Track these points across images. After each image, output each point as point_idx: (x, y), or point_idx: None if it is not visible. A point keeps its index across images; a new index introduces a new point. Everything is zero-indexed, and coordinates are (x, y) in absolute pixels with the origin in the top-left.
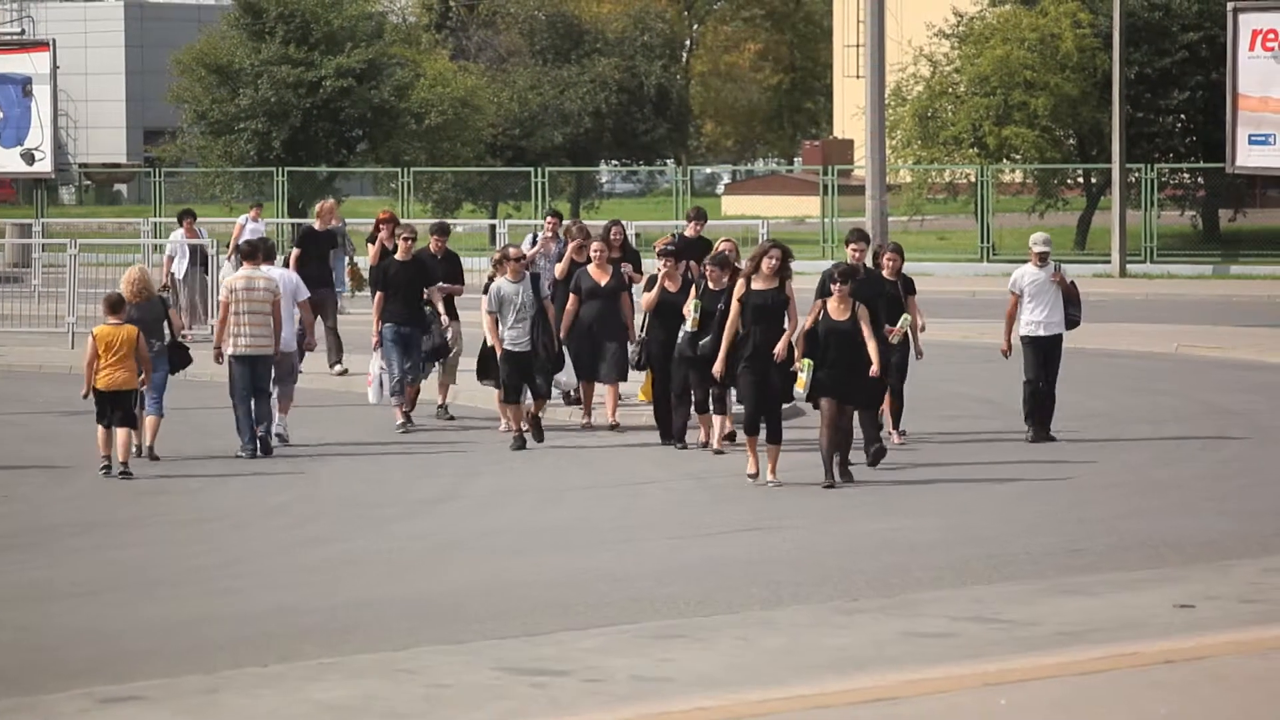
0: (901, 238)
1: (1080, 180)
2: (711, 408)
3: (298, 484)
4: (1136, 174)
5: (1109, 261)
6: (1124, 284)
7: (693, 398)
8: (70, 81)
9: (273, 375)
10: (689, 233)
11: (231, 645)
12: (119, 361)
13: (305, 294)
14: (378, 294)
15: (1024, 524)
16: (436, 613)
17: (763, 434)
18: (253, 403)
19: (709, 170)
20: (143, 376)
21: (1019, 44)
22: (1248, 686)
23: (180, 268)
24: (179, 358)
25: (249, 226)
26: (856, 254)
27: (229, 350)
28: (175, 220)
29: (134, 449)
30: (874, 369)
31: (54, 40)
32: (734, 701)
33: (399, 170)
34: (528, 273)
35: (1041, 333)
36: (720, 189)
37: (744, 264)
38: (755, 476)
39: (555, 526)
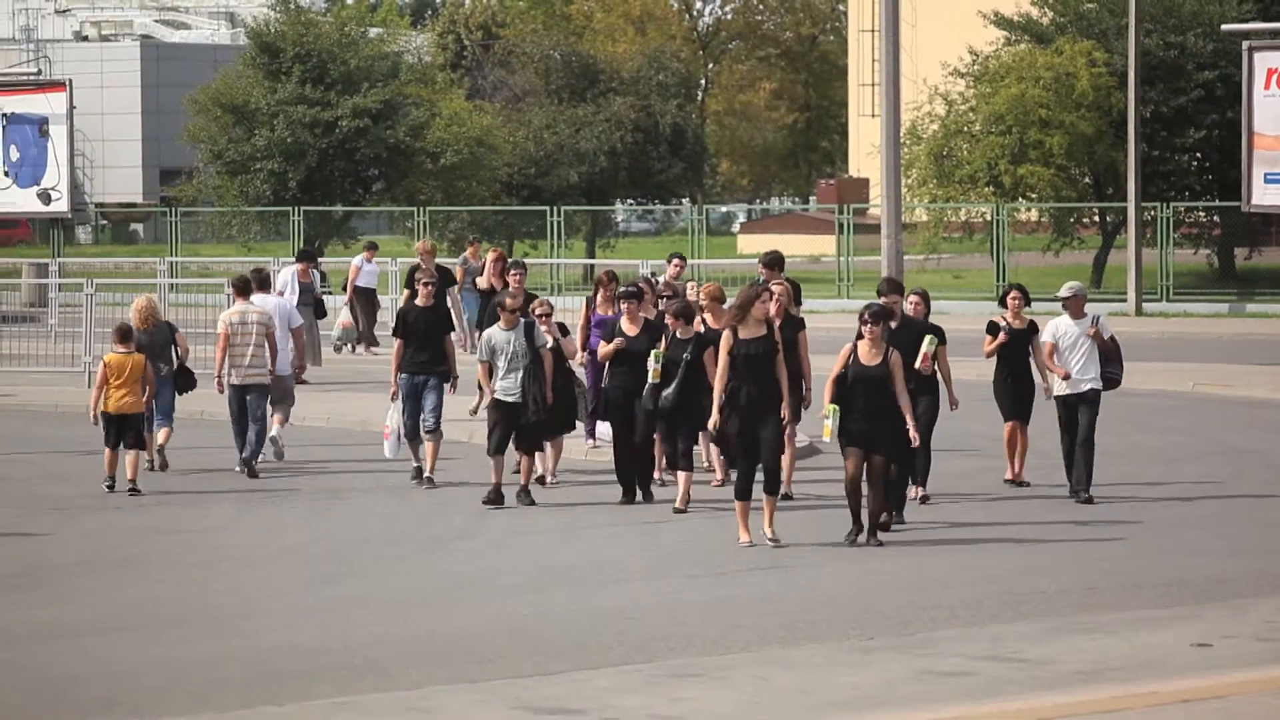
0: (917, 277)
1: (1096, 219)
2: (680, 463)
3: (311, 523)
4: (1152, 212)
5: (1125, 300)
6: (1140, 323)
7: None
8: (86, 121)
9: (269, 398)
10: (670, 274)
11: (244, 684)
12: (128, 387)
13: (299, 321)
14: (397, 342)
15: (1039, 563)
16: (451, 652)
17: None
18: (249, 426)
19: (724, 209)
20: (147, 394)
21: (1034, 83)
22: None
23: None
24: (185, 381)
25: (364, 268)
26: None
27: (228, 380)
28: (294, 259)
29: (147, 463)
30: (911, 433)
31: (70, 80)
32: None
33: (415, 210)
34: (522, 320)
35: (1070, 390)
36: (736, 228)
37: (728, 311)
38: (749, 544)
39: (569, 565)
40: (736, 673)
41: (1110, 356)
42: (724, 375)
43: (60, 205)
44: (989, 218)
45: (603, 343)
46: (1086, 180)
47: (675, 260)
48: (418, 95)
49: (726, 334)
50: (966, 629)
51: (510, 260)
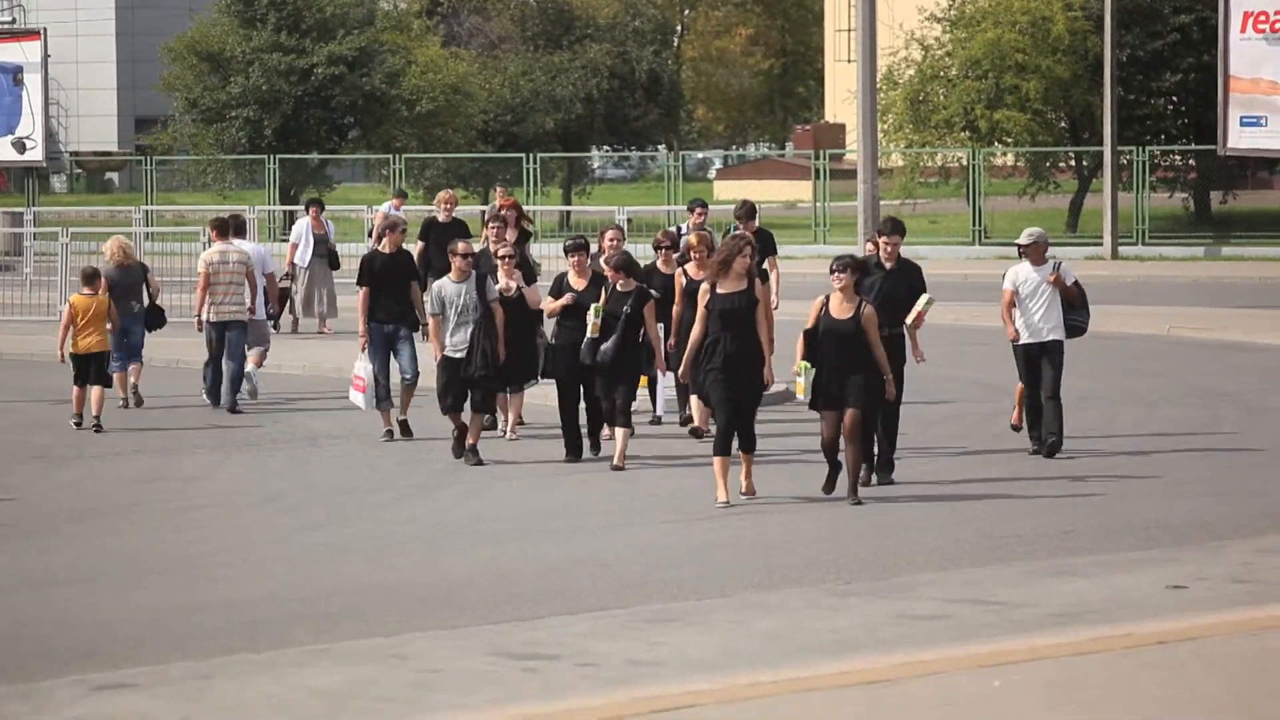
0: None
1: (1072, 163)
2: (618, 420)
3: (291, 471)
4: (1128, 156)
5: (1101, 244)
6: (1116, 266)
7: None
8: (61, 70)
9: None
10: (692, 223)
11: (223, 632)
12: (94, 327)
13: (272, 267)
14: (362, 290)
15: (1016, 506)
16: (428, 598)
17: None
18: (224, 363)
19: (701, 155)
20: (111, 326)
21: (1010, 27)
22: (1240, 666)
23: (304, 256)
24: (155, 318)
25: (391, 215)
26: (889, 247)
27: (206, 317)
28: (302, 208)
29: (121, 401)
30: (888, 389)
31: (45, 29)
32: (726, 685)
33: (390, 157)
34: (474, 272)
35: (1032, 339)
36: (712, 174)
37: (710, 265)
38: (726, 504)
39: (547, 512)
40: (714, 617)
41: (1074, 303)
42: (699, 328)
43: (35, 154)
44: (965, 162)
45: (549, 297)
46: (1062, 125)
47: (698, 209)
48: (393, 42)
49: (705, 286)
50: (943, 573)
51: (573, 242)
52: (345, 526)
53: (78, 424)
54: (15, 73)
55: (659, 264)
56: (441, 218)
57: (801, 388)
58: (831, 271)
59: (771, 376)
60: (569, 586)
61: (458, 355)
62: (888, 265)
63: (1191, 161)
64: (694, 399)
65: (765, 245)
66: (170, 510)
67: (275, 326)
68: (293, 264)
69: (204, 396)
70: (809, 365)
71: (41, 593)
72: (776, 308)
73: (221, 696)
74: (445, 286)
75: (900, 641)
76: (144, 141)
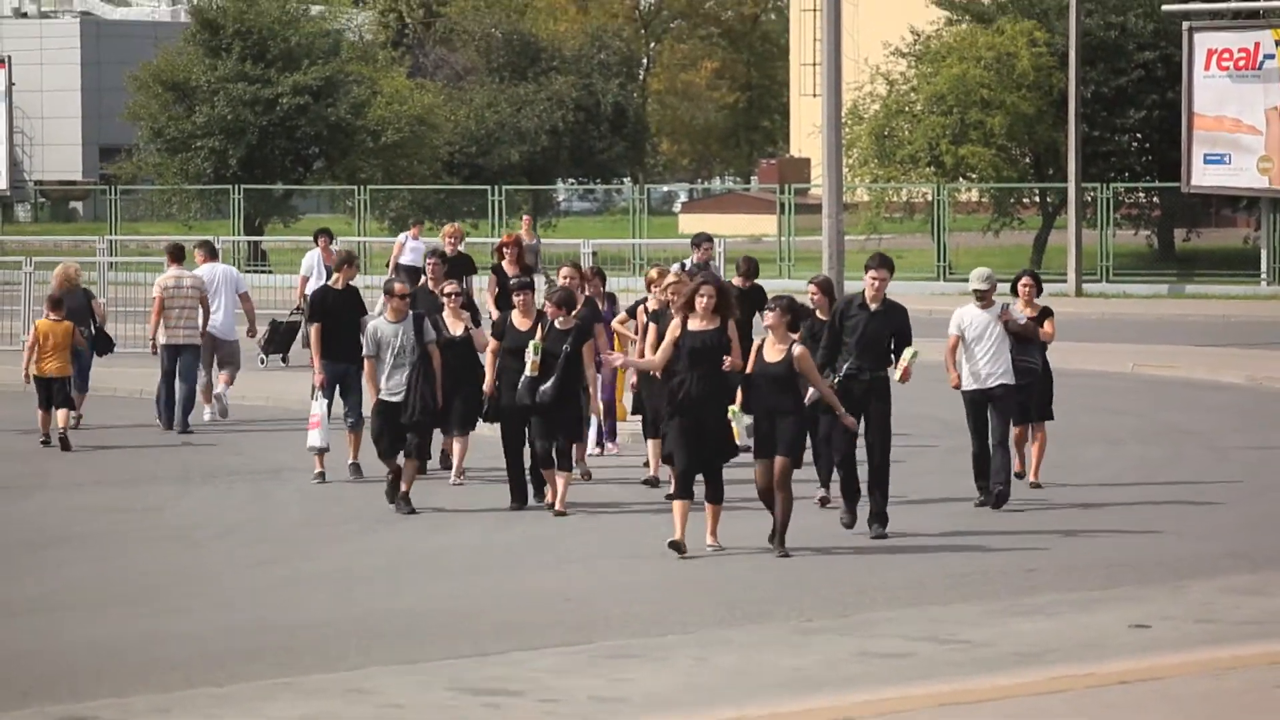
0: (858, 257)
1: (1036, 199)
2: (557, 462)
3: (252, 503)
4: (1092, 193)
5: (1065, 280)
6: (1080, 303)
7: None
8: (26, 99)
9: (217, 359)
10: (697, 257)
11: (185, 664)
12: (56, 352)
13: (245, 287)
14: (314, 325)
15: (979, 544)
16: (390, 632)
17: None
18: (178, 385)
19: (666, 189)
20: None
21: (975, 63)
22: (1202, 706)
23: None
24: (103, 344)
25: (409, 244)
26: (876, 282)
27: (161, 340)
28: (311, 239)
29: (73, 420)
30: (845, 420)
31: (9, 57)
32: None
33: (355, 188)
34: (411, 313)
35: (977, 385)
36: (677, 207)
37: (653, 300)
38: (679, 549)
39: (508, 546)
40: (676, 653)
41: (1028, 340)
42: (661, 364)
43: None
44: (930, 198)
45: (492, 338)
46: (1027, 160)
47: (704, 245)
48: (359, 73)
49: (675, 322)
50: (906, 610)
51: (517, 281)
52: (307, 559)
53: (45, 442)
54: None
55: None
56: (448, 251)
57: (737, 433)
58: (768, 310)
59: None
60: (531, 621)
61: (393, 399)
62: (873, 306)
63: (1155, 199)
64: (650, 444)
65: (757, 301)
66: (131, 541)
67: (266, 354)
68: (304, 296)
69: (158, 419)
70: (738, 410)
71: (0, 623)
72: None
73: None
74: (381, 327)
75: (863, 679)
76: (109, 170)
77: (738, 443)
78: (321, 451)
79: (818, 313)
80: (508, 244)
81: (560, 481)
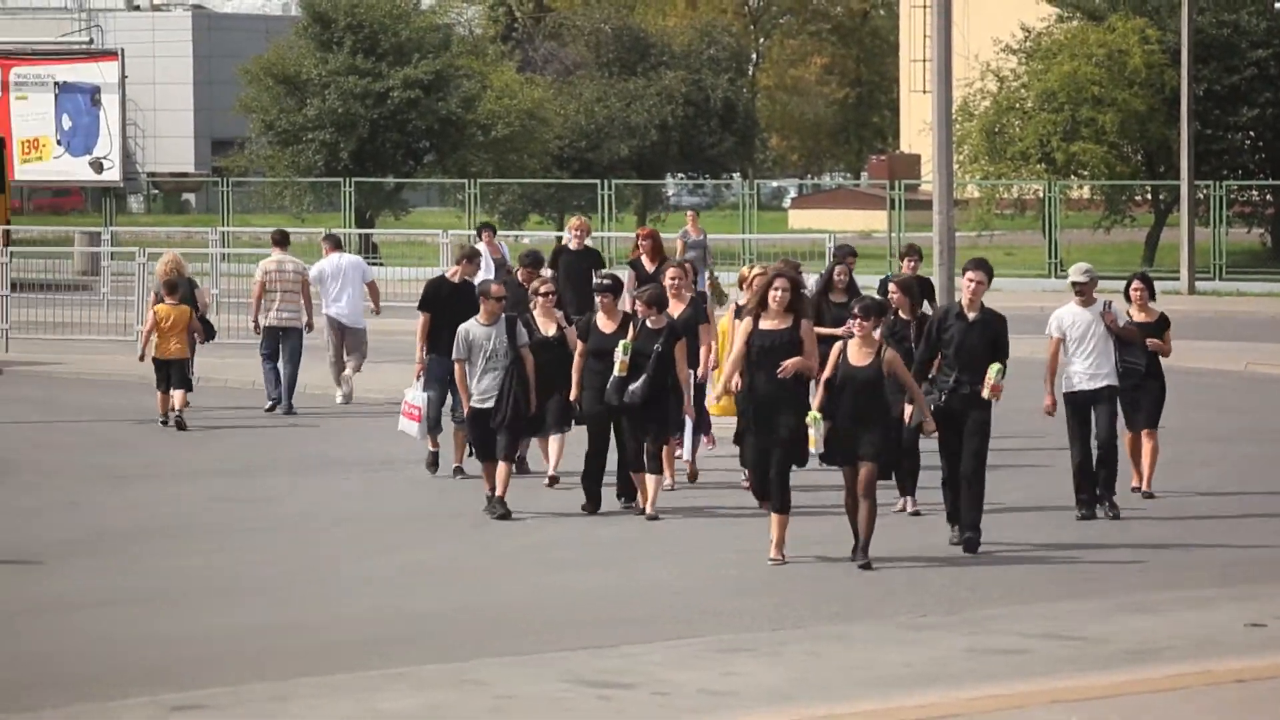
0: (969, 253)
1: (1148, 196)
2: (647, 465)
3: (365, 494)
4: (1205, 191)
5: (1178, 279)
6: (1193, 301)
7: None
8: (138, 91)
9: (345, 345)
10: (905, 269)
11: (298, 654)
12: (175, 334)
13: (371, 276)
14: (423, 317)
15: (1092, 541)
16: (502, 624)
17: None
18: (282, 367)
19: (775, 184)
20: (199, 337)
21: (1087, 60)
22: None
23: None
24: (205, 332)
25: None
26: (973, 284)
27: (263, 322)
28: (475, 233)
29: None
30: (927, 427)
31: (122, 50)
32: (800, 716)
33: (466, 182)
34: (504, 315)
35: (1084, 386)
36: (787, 203)
37: (745, 298)
38: (780, 561)
39: (617, 540)
40: (787, 648)
41: (1130, 342)
42: (736, 365)
43: (112, 174)
44: (1041, 195)
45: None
46: (1139, 158)
47: (911, 259)
48: (469, 67)
49: (746, 321)
50: (1019, 607)
51: (599, 283)
52: (419, 550)
53: (163, 423)
54: (93, 93)
55: (832, 297)
56: (573, 245)
57: (813, 440)
58: (853, 316)
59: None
60: (642, 614)
61: (485, 405)
62: (970, 315)
63: (1269, 197)
64: (650, 478)
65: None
66: (243, 531)
67: None
68: None
69: (268, 401)
70: (820, 416)
71: (115, 612)
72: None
73: (297, 719)
74: (473, 329)
75: (975, 676)
76: (220, 163)
77: (812, 450)
78: (437, 435)
79: (900, 312)
80: (644, 237)
81: (651, 484)
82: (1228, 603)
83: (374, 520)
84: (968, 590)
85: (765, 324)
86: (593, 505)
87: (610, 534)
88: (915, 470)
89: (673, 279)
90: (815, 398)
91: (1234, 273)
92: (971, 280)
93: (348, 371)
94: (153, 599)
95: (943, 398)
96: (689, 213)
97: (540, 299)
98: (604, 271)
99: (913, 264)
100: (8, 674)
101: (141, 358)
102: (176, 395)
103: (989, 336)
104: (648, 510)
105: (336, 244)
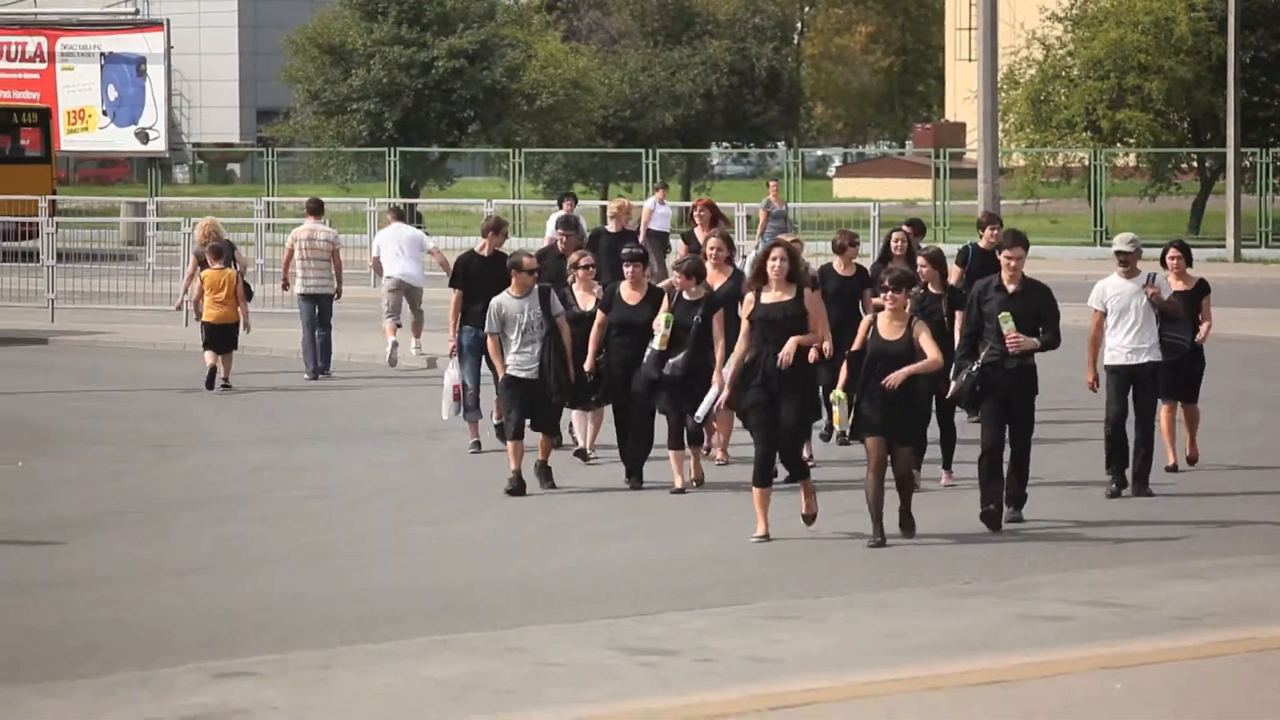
0: (1014, 221)
1: (1194, 164)
2: (687, 440)
3: (409, 464)
4: (1251, 158)
5: (1224, 246)
6: (1239, 269)
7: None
8: (184, 61)
9: (404, 306)
10: (983, 243)
11: (343, 622)
12: (223, 299)
13: (430, 245)
14: (455, 293)
15: (1137, 509)
16: (546, 592)
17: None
18: (317, 332)
19: (820, 153)
20: (242, 310)
21: (1133, 27)
22: None
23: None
24: (244, 292)
25: (657, 210)
26: (1012, 262)
27: (296, 289)
28: (556, 203)
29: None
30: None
31: (168, 20)
32: (845, 683)
33: (510, 151)
34: (536, 287)
35: (1124, 361)
36: (831, 172)
37: (747, 274)
38: (766, 538)
39: (658, 509)
40: (831, 615)
41: (1173, 318)
42: (744, 344)
43: (158, 145)
44: (1086, 163)
45: (600, 313)
46: (1185, 125)
47: (991, 227)
48: (513, 37)
49: (748, 297)
50: (1064, 574)
51: (629, 252)
52: (463, 520)
53: (209, 384)
54: (138, 64)
55: (836, 265)
56: (612, 227)
57: (839, 418)
58: (883, 288)
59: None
60: (686, 583)
61: (521, 374)
62: (1010, 287)
63: None
64: (686, 452)
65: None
66: (288, 500)
67: None
68: None
69: (305, 370)
70: (843, 396)
71: (159, 581)
72: None
73: (341, 686)
74: (505, 302)
75: (1021, 642)
76: (265, 133)
77: (837, 427)
78: (475, 420)
79: (929, 286)
80: (702, 207)
81: (694, 454)
82: (1274, 569)
83: (418, 490)
84: (1013, 557)
85: (767, 297)
86: (636, 477)
87: (649, 505)
88: (951, 444)
89: (713, 249)
90: (841, 373)
91: None
92: (1010, 258)
93: (415, 342)
94: (196, 568)
95: (975, 367)
96: (771, 183)
97: (580, 272)
98: (632, 242)
99: (995, 233)
100: (49, 643)
101: (180, 305)
102: (223, 359)
103: (1031, 307)
104: (681, 482)
105: (399, 215)
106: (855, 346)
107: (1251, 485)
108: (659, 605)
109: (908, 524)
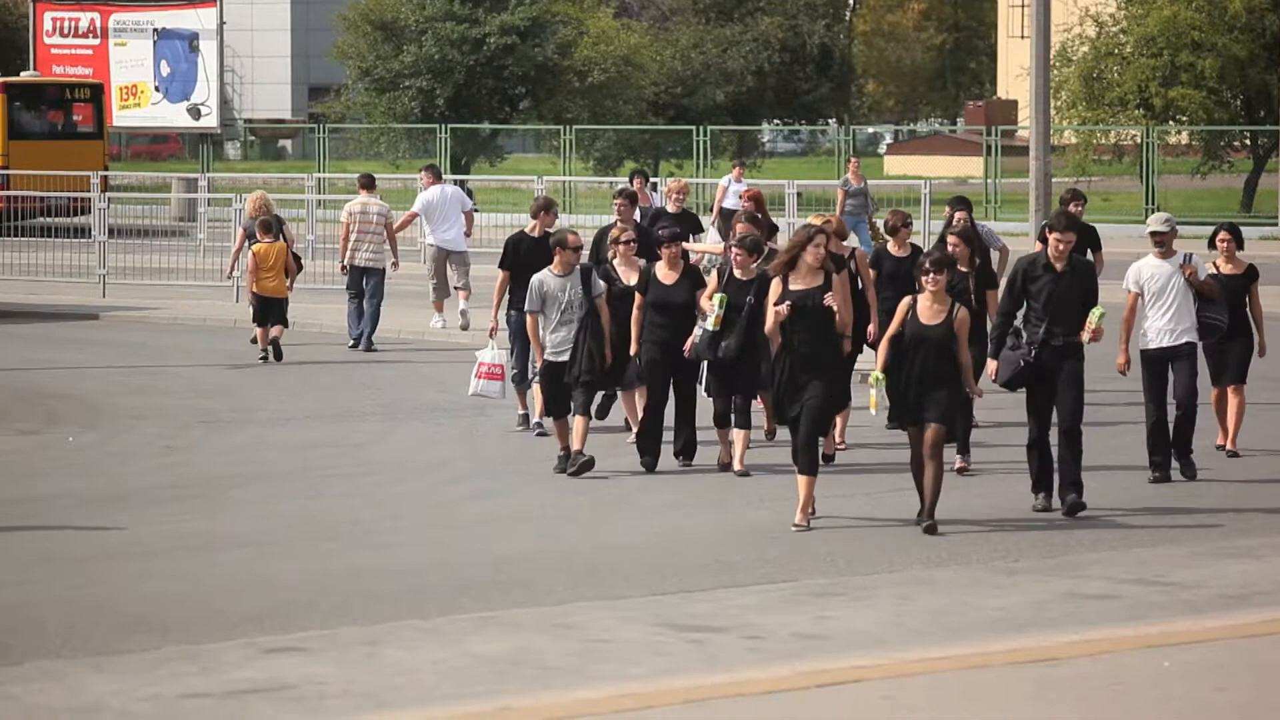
0: None
1: (1247, 142)
2: (734, 420)
3: (458, 440)
4: None
5: (1276, 224)
6: None
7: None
8: (236, 38)
9: (449, 272)
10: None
11: (391, 598)
12: (274, 272)
13: (470, 205)
14: (501, 274)
15: (1185, 488)
16: (595, 568)
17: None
18: (366, 304)
19: (871, 130)
20: (289, 281)
21: (1187, 4)
22: None
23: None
24: (296, 265)
25: (731, 187)
26: (1061, 245)
27: (349, 261)
28: (629, 179)
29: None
30: (972, 391)
31: None
32: (893, 660)
33: (561, 128)
34: (579, 266)
35: (1162, 343)
36: (882, 149)
37: (779, 256)
38: (803, 527)
39: (707, 486)
40: (880, 593)
41: (1210, 299)
42: (773, 334)
43: (209, 120)
44: (1139, 140)
45: (638, 294)
46: (1238, 103)
47: (1076, 204)
48: (565, 13)
49: (775, 282)
50: (1112, 552)
51: (667, 231)
52: (511, 496)
53: (263, 358)
54: (191, 39)
55: (891, 247)
56: (671, 208)
57: (874, 401)
58: (923, 271)
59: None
60: (734, 559)
61: (560, 359)
62: (1058, 266)
63: None
64: (738, 434)
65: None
66: (338, 476)
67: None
68: None
69: (350, 339)
70: (883, 377)
71: (208, 556)
72: None
73: (390, 661)
74: (547, 281)
75: (1069, 620)
76: (317, 109)
77: (873, 411)
78: (524, 391)
79: (958, 264)
80: (748, 198)
81: (740, 439)
82: None
83: (465, 466)
84: (1061, 535)
85: (795, 283)
86: (651, 460)
87: (698, 483)
88: (968, 428)
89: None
90: (879, 355)
91: None
92: (1060, 241)
93: (462, 305)
94: (245, 543)
95: (1032, 351)
96: (851, 160)
97: (620, 247)
98: (666, 221)
99: (1079, 208)
100: (99, 617)
101: (228, 271)
102: (274, 329)
103: (1081, 286)
104: (737, 466)
105: (437, 175)
106: (893, 329)
107: None
108: (707, 582)
109: (931, 512)
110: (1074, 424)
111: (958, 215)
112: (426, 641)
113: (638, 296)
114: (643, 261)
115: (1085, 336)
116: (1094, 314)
